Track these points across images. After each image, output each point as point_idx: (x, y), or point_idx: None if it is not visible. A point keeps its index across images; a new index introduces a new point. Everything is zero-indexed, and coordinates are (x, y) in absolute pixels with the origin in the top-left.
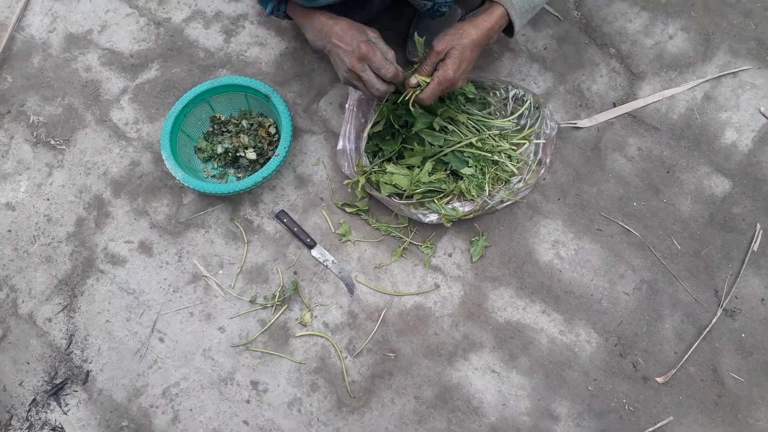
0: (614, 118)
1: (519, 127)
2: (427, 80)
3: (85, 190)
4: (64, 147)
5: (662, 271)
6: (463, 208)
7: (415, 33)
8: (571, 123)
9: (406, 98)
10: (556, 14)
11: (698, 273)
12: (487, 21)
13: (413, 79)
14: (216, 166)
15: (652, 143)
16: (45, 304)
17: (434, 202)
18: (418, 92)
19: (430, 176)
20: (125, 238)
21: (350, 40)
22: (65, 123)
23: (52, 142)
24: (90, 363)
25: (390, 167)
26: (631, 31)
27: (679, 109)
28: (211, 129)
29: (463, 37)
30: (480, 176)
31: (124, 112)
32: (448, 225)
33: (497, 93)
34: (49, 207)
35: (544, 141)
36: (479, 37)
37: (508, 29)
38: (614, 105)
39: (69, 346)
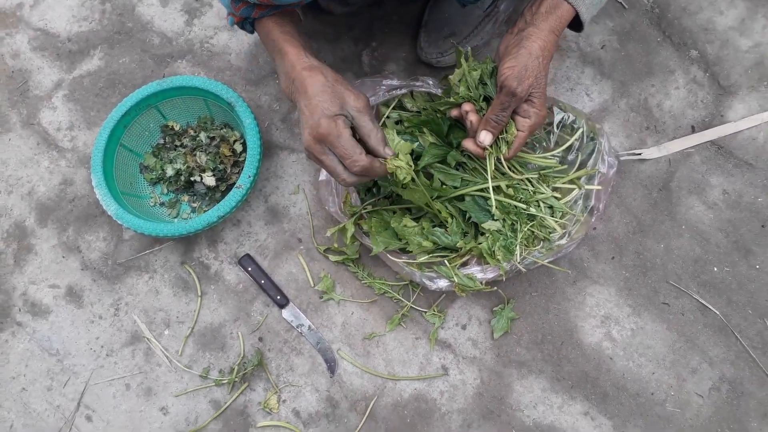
0: (692, 147)
1: (565, 165)
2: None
3: (5, 214)
4: None
5: (751, 365)
6: (483, 275)
7: (457, 45)
8: (633, 153)
9: (489, 168)
10: (620, 0)
11: None
12: (554, 24)
13: (485, 139)
14: (166, 191)
15: (743, 185)
16: None
17: (445, 265)
18: (492, 155)
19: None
20: (50, 281)
21: (315, 110)
22: None
23: None
24: None
25: (386, 216)
26: (721, 27)
27: None
28: (162, 141)
29: (541, 60)
30: (509, 234)
31: (57, 114)
32: (463, 296)
33: None
34: None
35: (598, 187)
36: (552, 51)
37: (574, 23)
38: (693, 129)
39: None
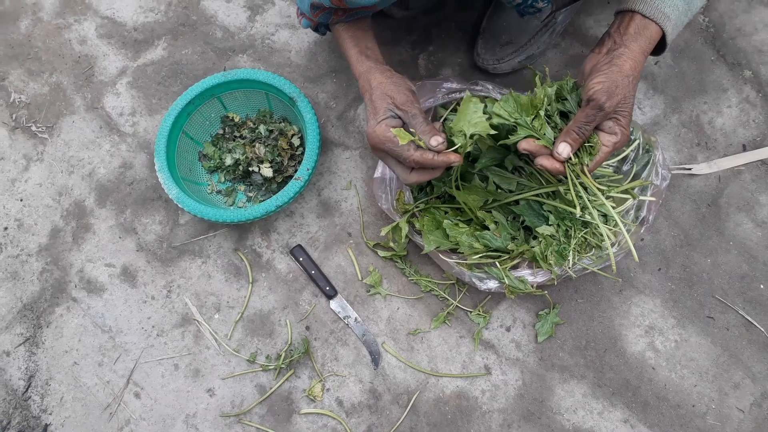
0: (743, 165)
1: (621, 175)
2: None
3: (66, 193)
4: (46, 136)
5: None
6: (534, 278)
7: (543, 71)
8: (683, 168)
9: (570, 181)
10: None
11: None
12: (645, 45)
13: (564, 151)
14: (224, 179)
15: None
16: (4, 332)
17: (496, 266)
18: (577, 166)
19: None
20: (106, 260)
21: (369, 117)
22: (50, 106)
23: (34, 128)
24: (50, 414)
25: (438, 215)
26: None
27: None
28: (221, 131)
29: (631, 80)
30: (563, 239)
31: (120, 100)
32: (512, 297)
33: None
34: (22, 209)
35: (652, 198)
36: (640, 72)
37: (657, 47)
38: (744, 148)
39: (27, 390)
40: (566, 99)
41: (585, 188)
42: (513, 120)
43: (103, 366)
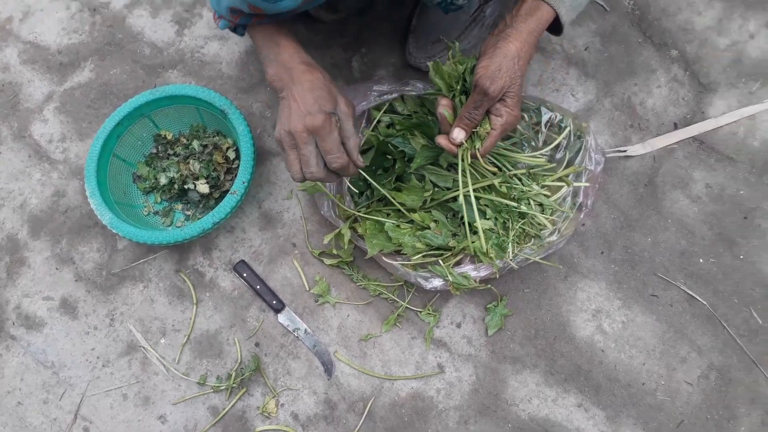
0: (675, 143)
1: (554, 164)
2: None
3: None
4: None
5: (738, 353)
6: (477, 273)
7: (456, 43)
8: (619, 150)
9: (461, 163)
10: (602, 3)
11: None
12: (534, 26)
13: (458, 137)
14: (160, 199)
15: (725, 179)
16: None
17: (439, 264)
18: (468, 150)
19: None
20: (44, 294)
21: (311, 103)
22: None
23: None
24: None
25: (381, 217)
26: (699, 26)
27: (763, 133)
28: (155, 150)
29: (517, 62)
30: (501, 232)
31: (49, 126)
32: (457, 294)
33: (525, 116)
34: None
35: (587, 184)
36: (530, 53)
37: (554, 26)
38: (675, 126)
39: None
40: (467, 80)
41: (520, 179)
42: (448, 84)
43: (48, 403)
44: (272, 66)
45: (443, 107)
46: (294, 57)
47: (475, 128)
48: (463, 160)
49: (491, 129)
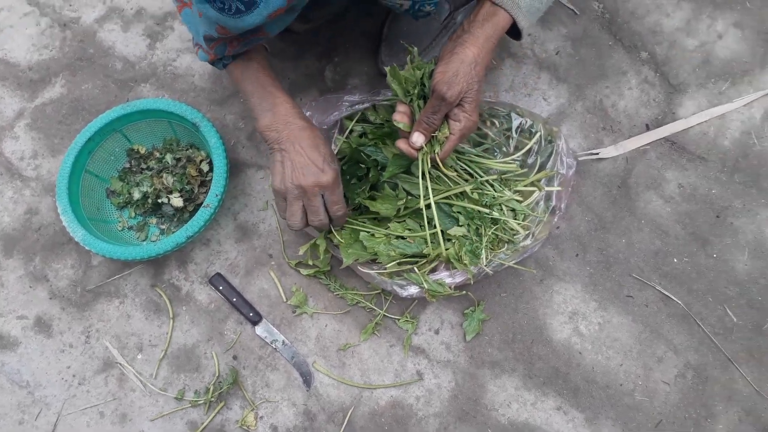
0: (647, 144)
1: (525, 169)
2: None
3: None
4: None
5: (713, 351)
6: (452, 279)
7: (414, 48)
8: (591, 153)
9: (420, 167)
10: (571, 7)
11: (761, 354)
12: (491, 32)
13: (417, 141)
14: (134, 214)
15: (696, 178)
16: None
17: (414, 272)
18: (427, 154)
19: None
20: (17, 313)
21: (321, 160)
22: None
23: None
24: None
25: (357, 225)
26: (668, 28)
27: (732, 132)
28: (128, 165)
29: (474, 67)
30: (474, 238)
31: (20, 143)
32: (433, 301)
33: (496, 123)
34: None
35: (559, 188)
36: (487, 59)
37: (514, 31)
38: (647, 128)
39: None
40: (425, 84)
41: (491, 185)
42: (405, 89)
43: (24, 423)
44: (266, 117)
45: (399, 114)
46: (291, 112)
47: (434, 133)
48: (423, 164)
49: (450, 134)
